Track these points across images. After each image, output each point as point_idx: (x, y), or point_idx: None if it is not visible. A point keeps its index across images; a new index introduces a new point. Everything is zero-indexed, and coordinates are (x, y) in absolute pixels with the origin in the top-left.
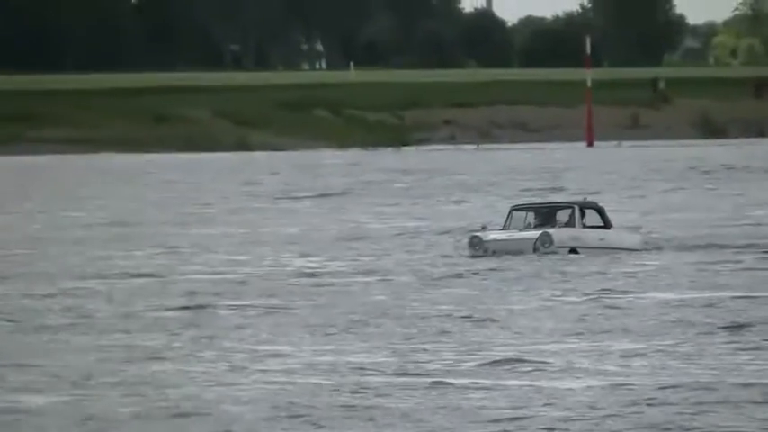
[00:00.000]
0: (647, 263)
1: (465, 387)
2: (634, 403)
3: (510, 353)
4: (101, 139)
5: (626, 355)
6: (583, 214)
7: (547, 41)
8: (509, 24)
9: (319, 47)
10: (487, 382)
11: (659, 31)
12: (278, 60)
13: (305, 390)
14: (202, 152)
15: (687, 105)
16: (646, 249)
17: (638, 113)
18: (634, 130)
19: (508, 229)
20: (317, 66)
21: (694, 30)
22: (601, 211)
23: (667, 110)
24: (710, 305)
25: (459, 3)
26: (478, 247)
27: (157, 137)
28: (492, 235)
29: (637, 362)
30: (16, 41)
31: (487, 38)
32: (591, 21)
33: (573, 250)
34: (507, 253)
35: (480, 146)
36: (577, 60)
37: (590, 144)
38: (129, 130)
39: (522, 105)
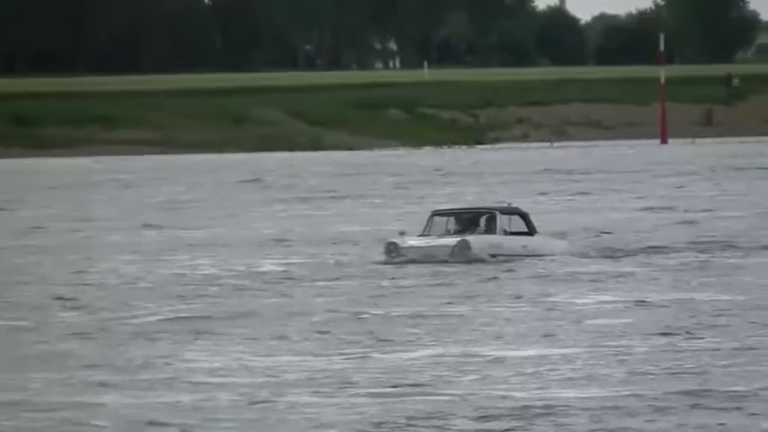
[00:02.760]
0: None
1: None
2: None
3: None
4: (176, 140)
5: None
6: (506, 220)
7: (620, 39)
8: (582, 22)
9: (393, 46)
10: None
11: (732, 27)
12: (352, 60)
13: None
14: (277, 152)
15: (761, 102)
16: (572, 255)
17: (711, 110)
18: (708, 127)
19: (427, 234)
20: (391, 65)
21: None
22: (525, 217)
23: (741, 107)
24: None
25: (533, 1)
26: (395, 254)
27: (233, 137)
28: (409, 241)
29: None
30: (93, 43)
31: (561, 36)
32: (664, 18)
33: (492, 257)
34: (424, 260)
35: (554, 144)
36: (650, 58)
37: (664, 141)
38: (204, 131)
39: (596, 103)
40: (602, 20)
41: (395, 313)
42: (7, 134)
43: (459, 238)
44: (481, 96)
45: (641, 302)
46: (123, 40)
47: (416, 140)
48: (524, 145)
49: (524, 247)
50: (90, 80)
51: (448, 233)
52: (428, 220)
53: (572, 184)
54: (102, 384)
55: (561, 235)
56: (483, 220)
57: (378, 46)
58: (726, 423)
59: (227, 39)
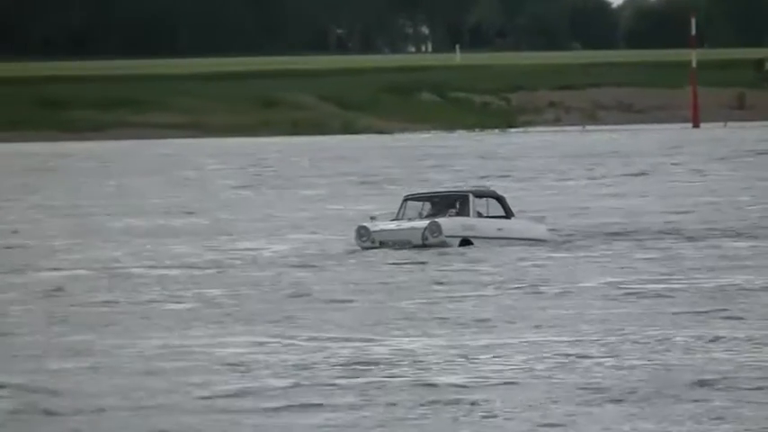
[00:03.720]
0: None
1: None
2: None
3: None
4: (208, 123)
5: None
6: (481, 203)
7: (651, 22)
8: (613, 6)
9: (425, 30)
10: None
11: (764, 11)
12: (383, 44)
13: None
14: (309, 136)
15: None
16: (551, 240)
17: (743, 94)
18: (740, 110)
19: (400, 219)
20: (423, 49)
21: None
22: (501, 200)
23: None
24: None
25: None
26: (365, 238)
27: (264, 121)
28: (380, 225)
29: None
30: (125, 27)
31: (592, 20)
32: (695, 1)
33: (465, 240)
34: (395, 243)
35: (586, 127)
36: (681, 41)
37: (696, 125)
38: (236, 115)
39: (628, 87)
40: (634, 3)
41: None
42: (37, 117)
43: (429, 221)
44: (513, 80)
45: (576, 288)
46: (154, 23)
47: (448, 124)
48: (556, 128)
49: (500, 230)
50: (120, 63)
51: (420, 217)
52: (401, 205)
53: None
54: None
55: (540, 218)
56: (456, 203)
57: (409, 30)
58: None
59: (257, 22)
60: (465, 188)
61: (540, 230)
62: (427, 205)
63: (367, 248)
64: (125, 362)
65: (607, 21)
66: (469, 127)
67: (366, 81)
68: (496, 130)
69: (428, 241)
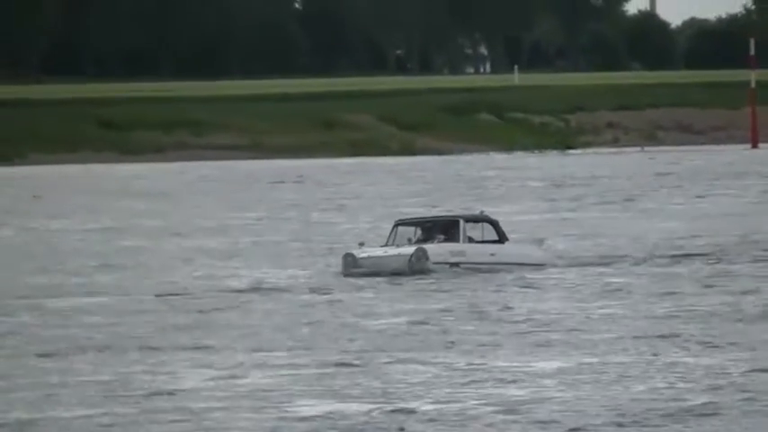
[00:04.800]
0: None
1: None
2: None
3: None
4: (266, 145)
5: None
6: (475, 228)
7: (710, 43)
8: (672, 26)
9: (484, 50)
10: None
11: None
12: (442, 64)
13: None
14: (368, 156)
15: None
16: (551, 264)
17: None
18: None
19: (390, 244)
20: (482, 69)
21: None
22: (495, 224)
23: None
24: None
25: (623, 5)
26: (352, 266)
27: (323, 142)
28: (366, 252)
29: None
30: (183, 49)
31: (651, 40)
32: (754, 22)
33: (454, 266)
34: (382, 270)
35: (644, 148)
36: (741, 62)
37: (755, 145)
38: (294, 135)
39: (687, 107)
40: (693, 24)
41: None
42: (97, 138)
43: (416, 247)
44: (571, 100)
45: (559, 313)
46: (211, 44)
47: (506, 145)
48: (615, 149)
49: (492, 255)
50: (176, 85)
51: (409, 242)
52: (392, 231)
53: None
54: None
55: (539, 242)
56: (446, 229)
57: (468, 50)
58: None
59: (315, 43)
60: (455, 213)
61: (536, 255)
62: (418, 231)
63: (353, 275)
64: None
65: (666, 41)
66: (528, 148)
67: (425, 101)
68: (554, 151)
69: (415, 268)
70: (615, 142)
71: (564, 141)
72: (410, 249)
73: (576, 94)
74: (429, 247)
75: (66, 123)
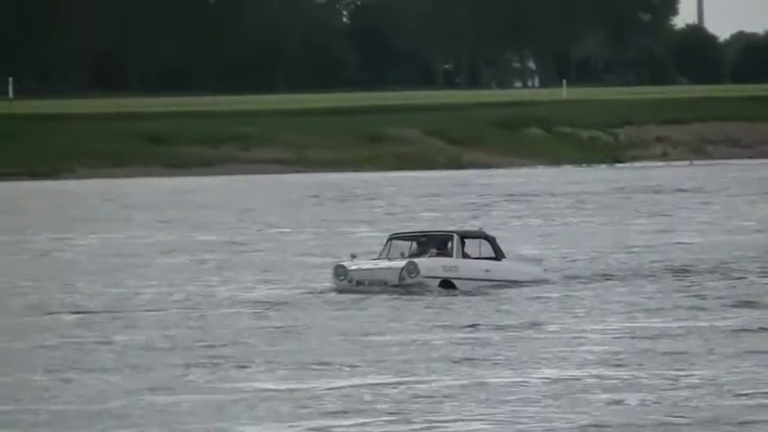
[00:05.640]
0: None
1: None
2: None
3: None
4: (312, 159)
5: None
6: (473, 245)
7: (759, 56)
8: (720, 40)
9: (532, 65)
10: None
11: None
12: (490, 78)
13: None
14: (415, 171)
15: None
16: (546, 281)
17: None
18: None
19: (383, 257)
20: (530, 84)
21: None
22: (491, 241)
23: None
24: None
25: (671, 20)
26: (343, 277)
27: (369, 156)
28: (358, 264)
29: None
30: (229, 64)
31: (699, 54)
32: None
33: (446, 281)
34: (373, 283)
35: (693, 162)
36: None
37: None
38: (340, 150)
39: (735, 121)
40: (741, 38)
41: None
42: (144, 153)
43: (407, 261)
44: (620, 115)
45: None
46: (257, 59)
47: (554, 159)
48: (663, 163)
49: (487, 271)
50: (225, 99)
51: (402, 256)
52: (386, 244)
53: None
54: None
55: (537, 260)
56: (440, 244)
57: (516, 65)
58: None
59: (363, 58)
60: (451, 228)
61: (532, 272)
62: (413, 245)
63: (344, 288)
64: None
65: (714, 55)
66: (576, 162)
67: (472, 116)
68: (603, 165)
69: (405, 281)
70: (664, 156)
71: (612, 155)
72: (401, 263)
73: (625, 108)
74: (420, 260)
75: (114, 137)
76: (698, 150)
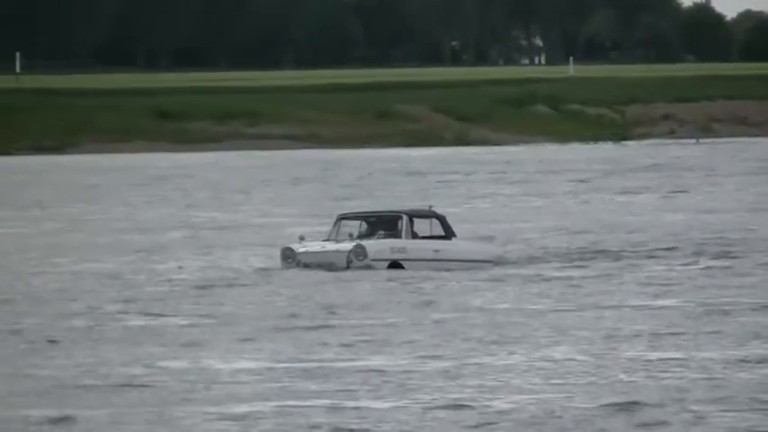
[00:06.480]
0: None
1: None
2: None
3: None
4: (321, 135)
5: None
6: (423, 224)
7: (766, 35)
8: (728, 18)
9: (539, 42)
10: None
11: None
12: (497, 56)
13: None
14: (422, 147)
15: None
16: (498, 261)
17: None
18: None
19: (332, 239)
20: (537, 61)
21: None
22: (442, 220)
23: None
24: None
25: None
26: (291, 260)
27: (377, 133)
28: (305, 246)
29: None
30: (238, 41)
31: (706, 32)
32: None
33: (395, 263)
34: (320, 266)
35: (700, 140)
36: None
37: None
38: (348, 127)
39: (742, 100)
40: (748, 16)
41: None
42: (153, 128)
43: (354, 243)
44: (627, 92)
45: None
46: (266, 36)
47: (561, 137)
48: (670, 141)
49: (436, 251)
50: (233, 75)
51: (350, 237)
52: (334, 224)
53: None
54: None
55: (489, 238)
56: (388, 224)
57: (523, 42)
58: None
59: (371, 35)
60: (399, 208)
61: (484, 251)
62: (362, 225)
63: (292, 269)
64: None
65: (721, 34)
66: (583, 140)
67: (480, 93)
68: (610, 143)
69: (353, 264)
70: (671, 134)
71: (619, 133)
72: (348, 246)
73: (632, 86)
74: (368, 243)
75: (121, 113)
76: (705, 128)
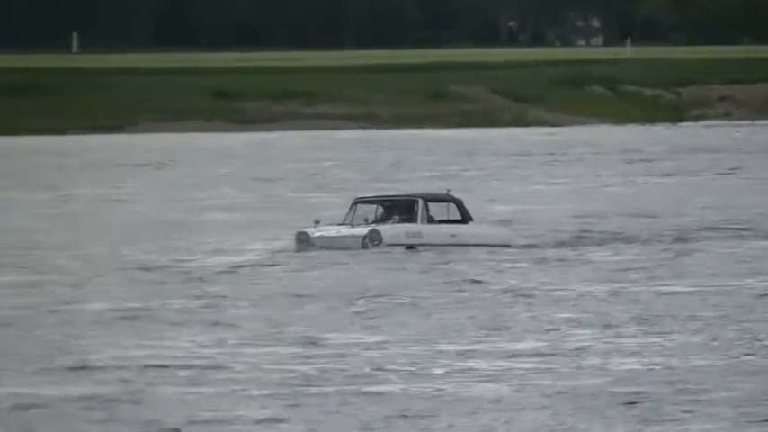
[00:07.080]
0: None
1: None
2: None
3: None
4: (378, 115)
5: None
6: (439, 208)
7: None
8: None
9: (596, 23)
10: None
11: None
12: (554, 36)
13: None
14: (479, 128)
15: None
16: (514, 245)
17: None
18: None
19: (348, 223)
20: (593, 42)
21: None
22: (459, 204)
23: None
24: None
25: None
26: (305, 244)
27: (433, 113)
28: (320, 231)
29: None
30: (296, 21)
31: (763, 14)
32: None
33: (410, 248)
34: (336, 250)
35: (755, 122)
36: None
37: None
38: (405, 107)
39: None
40: None
41: None
42: (209, 108)
43: (369, 228)
44: (683, 74)
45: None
46: (324, 16)
47: (617, 118)
48: (726, 123)
49: (453, 236)
50: (290, 55)
51: (366, 222)
52: (350, 208)
53: None
54: None
55: (504, 223)
56: (404, 208)
57: (580, 23)
58: None
59: (427, 15)
60: (415, 192)
61: (501, 236)
62: (378, 209)
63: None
64: None
65: None
66: (639, 121)
67: (536, 74)
68: (667, 124)
69: (368, 249)
70: (727, 116)
71: (676, 114)
72: (364, 230)
73: (689, 67)
74: (383, 228)
75: (178, 92)
76: (762, 110)
